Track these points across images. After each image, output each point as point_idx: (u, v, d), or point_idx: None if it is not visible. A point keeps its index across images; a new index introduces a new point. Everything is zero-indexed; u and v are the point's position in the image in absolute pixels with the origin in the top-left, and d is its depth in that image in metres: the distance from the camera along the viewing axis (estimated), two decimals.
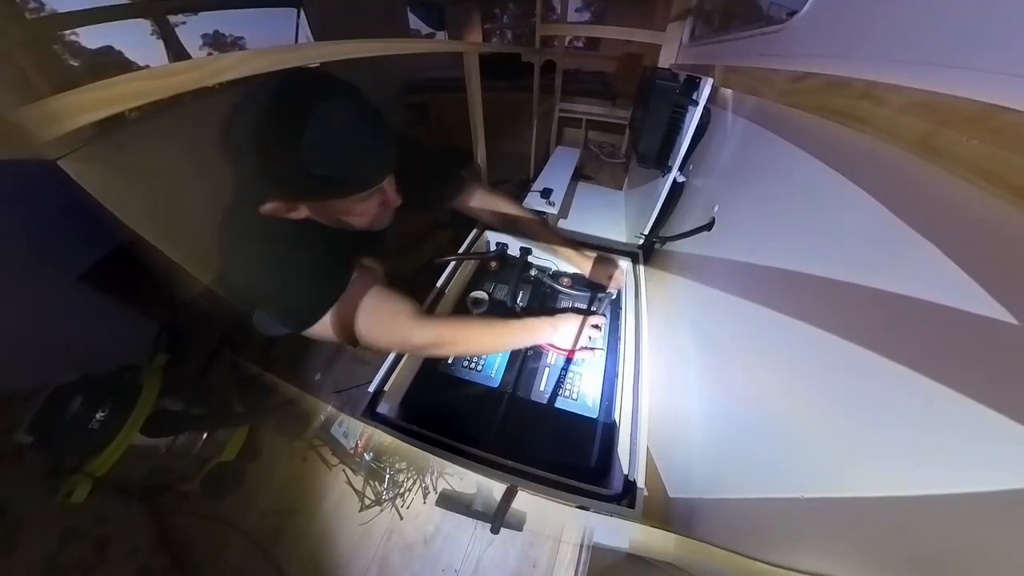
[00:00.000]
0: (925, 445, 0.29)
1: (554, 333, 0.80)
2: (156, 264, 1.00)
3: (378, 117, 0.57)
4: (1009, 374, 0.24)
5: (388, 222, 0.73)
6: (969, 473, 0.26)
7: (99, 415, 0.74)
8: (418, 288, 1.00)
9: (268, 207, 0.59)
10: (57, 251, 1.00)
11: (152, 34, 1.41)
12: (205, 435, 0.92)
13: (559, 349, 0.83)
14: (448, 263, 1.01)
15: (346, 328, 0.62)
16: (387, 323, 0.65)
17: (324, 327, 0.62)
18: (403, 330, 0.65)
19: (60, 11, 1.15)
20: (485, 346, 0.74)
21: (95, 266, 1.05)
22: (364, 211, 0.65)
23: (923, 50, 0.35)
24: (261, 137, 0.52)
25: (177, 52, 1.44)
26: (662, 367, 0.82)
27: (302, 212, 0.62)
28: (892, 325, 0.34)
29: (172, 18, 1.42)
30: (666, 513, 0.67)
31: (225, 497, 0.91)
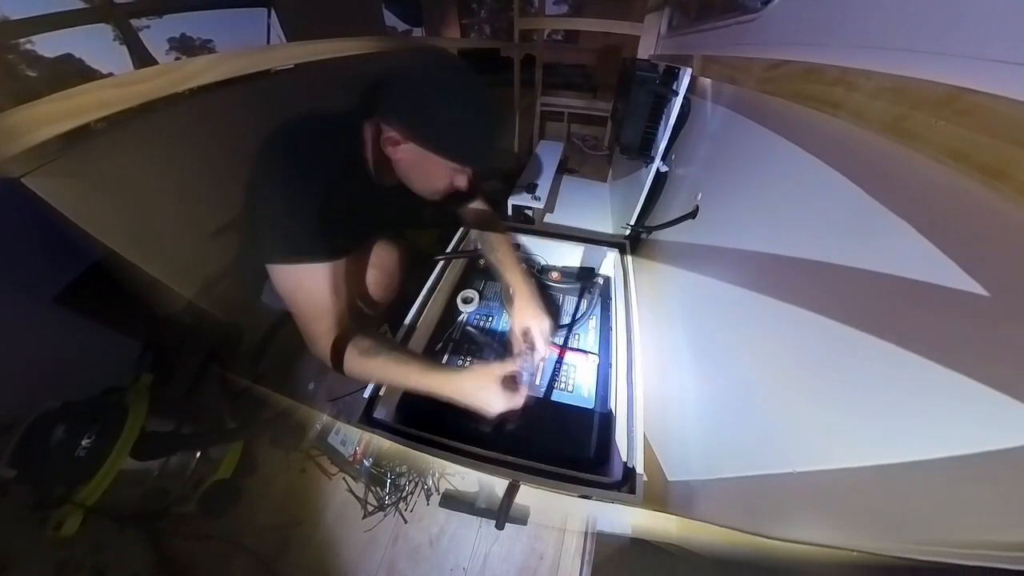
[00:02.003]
0: (905, 414, 0.31)
1: (459, 394, 0.63)
2: (134, 281, 0.96)
3: (497, 116, 0.67)
4: (982, 342, 0.26)
5: (440, 195, 0.74)
6: (946, 436, 0.27)
7: (85, 442, 0.71)
8: (409, 289, 1.00)
9: (391, 133, 0.62)
10: (27, 273, 0.95)
11: (114, 39, 1.34)
12: (198, 454, 0.90)
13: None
14: (437, 263, 1.00)
15: (280, 287, 0.62)
16: (315, 312, 0.62)
17: (281, 276, 0.61)
18: (315, 328, 0.63)
19: (12, 17, 1.09)
20: (392, 382, 0.70)
21: (69, 286, 1.00)
22: (441, 179, 0.69)
23: (892, 36, 0.36)
24: (424, 88, 0.59)
25: (143, 58, 1.38)
26: (654, 354, 0.84)
27: (400, 153, 0.64)
28: (870, 301, 0.35)
29: (135, 22, 1.35)
30: (666, 496, 0.69)
31: (224, 515, 0.89)
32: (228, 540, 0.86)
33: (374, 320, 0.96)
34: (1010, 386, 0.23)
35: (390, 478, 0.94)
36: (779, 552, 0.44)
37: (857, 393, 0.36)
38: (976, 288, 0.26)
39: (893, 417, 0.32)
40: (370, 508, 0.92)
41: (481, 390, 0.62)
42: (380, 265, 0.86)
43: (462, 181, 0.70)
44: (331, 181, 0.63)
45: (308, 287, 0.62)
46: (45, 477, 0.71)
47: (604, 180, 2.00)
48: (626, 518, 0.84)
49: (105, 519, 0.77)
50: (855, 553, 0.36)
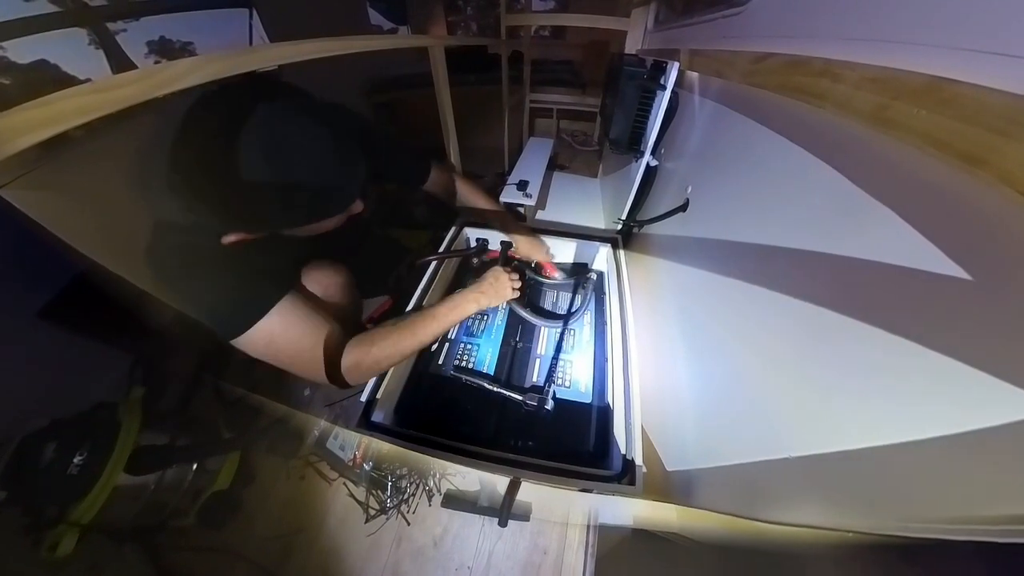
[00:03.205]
0: (894, 396, 0.32)
1: (481, 298, 0.76)
2: (121, 293, 0.94)
3: (349, 132, 0.54)
4: (966, 324, 0.26)
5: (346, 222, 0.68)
6: (934, 416, 0.28)
7: (77, 459, 0.70)
8: (402, 291, 0.99)
9: (231, 239, 0.54)
10: (8, 287, 0.92)
11: (90, 44, 1.31)
12: (195, 466, 0.89)
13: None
14: (430, 263, 1.00)
15: (259, 352, 0.57)
16: (297, 354, 0.58)
17: (250, 344, 0.57)
18: (313, 363, 0.59)
19: None
20: (405, 350, 0.68)
21: (53, 301, 0.98)
22: (331, 224, 0.61)
23: (874, 27, 0.37)
24: (226, 170, 0.46)
25: (121, 62, 1.34)
26: (649, 347, 0.85)
27: (262, 233, 0.58)
28: (858, 288, 0.36)
29: (111, 25, 1.31)
30: (666, 486, 0.70)
31: (224, 527, 0.88)
32: (229, 552, 0.85)
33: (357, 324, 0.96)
34: (993, 366, 0.24)
35: (391, 481, 0.94)
36: (777, 536, 0.45)
37: (848, 378, 0.37)
38: (959, 272, 0.27)
39: (883, 400, 0.33)
40: (372, 512, 0.92)
41: (498, 284, 0.78)
42: (327, 268, 0.79)
43: (357, 208, 0.61)
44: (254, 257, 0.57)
45: (280, 333, 0.57)
46: (37, 497, 0.69)
47: (595, 176, 2.00)
48: (627, 509, 0.85)
49: (102, 537, 0.76)
50: (850, 534, 0.37)
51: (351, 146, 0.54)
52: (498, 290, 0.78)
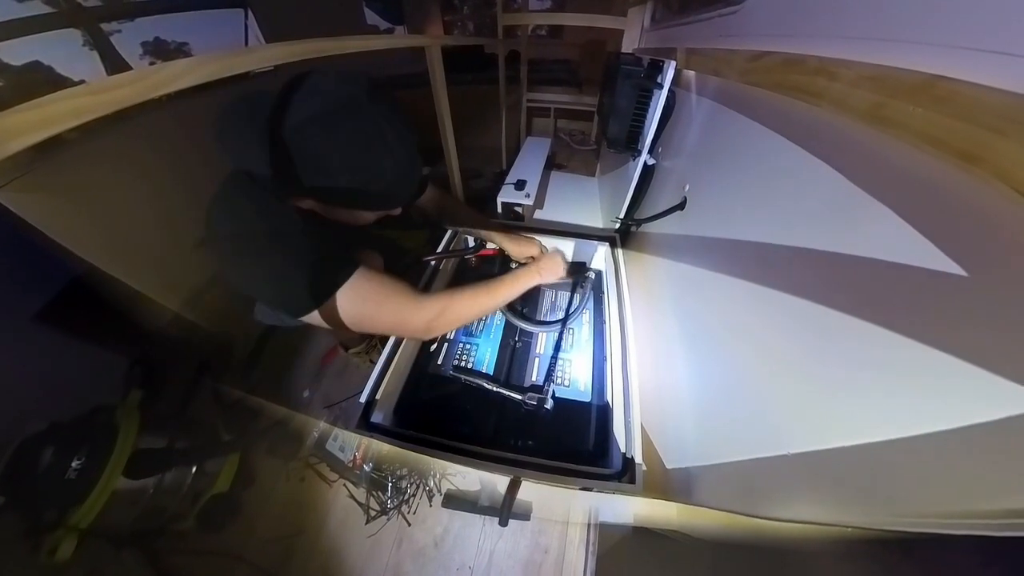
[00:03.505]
0: (891, 392, 0.32)
1: (539, 274, 0.84)
2: (117, 295, 0.94)
3: (414, 139, 0.61)
4: (962, 320, 0.27)
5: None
6: (931, 412, 0.28)
7: (75, 463, 0.69)
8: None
9: (306, 204, 0.61)
10: (3, 290, 0.92)
11: (84, 45, 1.30)
12: (194, 469, 0.88)
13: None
14: (428, 263, 1.00)
15: (347, 312, 0.60)
16: (388, 301, 0.63)
17: (325, 312, 0.59)
18: (404, 307, 0.64)
19: None
20: (481, 308, 0.74)
21: (49, 304, 0.97)
22: (368, 219, 0.69)
23: (870, 26, 0.37)
24: (323, 146, 0.52)
25: (115, 63, 1.33)
26: (648, 345, 0.85)
27: (321, 209, 0.63)
28: (855, 285, 0.36)
29: (105, 26, 1.30)
30: (666, 484, 0.70)
31: (224, 529, 0.88)
32: (229, 554, 0.85)
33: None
34: (989, 361, 0.24)
35: (391, 482, 0.94)
36: (776, 532, 0.45)
37: (845, 374, 0.37)
38: (955, 268, 0.27)
39: (880, 395, 0.33)
40: (373, 513, 0.92)
41: (553, 263, 0.87)
42: (366, 252, 0.86)
43: (396, 212, 0.71)
44: (301, 225, 0.61)
45: (367, 288, 0.60)
46: (36, 502, 0.69)
47: (592, 175, 2.01)
48: (627, 507, 0.86)
49: (101, 541, 0.75)
50: (849, 529, 0.37)
51: (417, 154, 0.63)
52: (553, 268, 0.87)
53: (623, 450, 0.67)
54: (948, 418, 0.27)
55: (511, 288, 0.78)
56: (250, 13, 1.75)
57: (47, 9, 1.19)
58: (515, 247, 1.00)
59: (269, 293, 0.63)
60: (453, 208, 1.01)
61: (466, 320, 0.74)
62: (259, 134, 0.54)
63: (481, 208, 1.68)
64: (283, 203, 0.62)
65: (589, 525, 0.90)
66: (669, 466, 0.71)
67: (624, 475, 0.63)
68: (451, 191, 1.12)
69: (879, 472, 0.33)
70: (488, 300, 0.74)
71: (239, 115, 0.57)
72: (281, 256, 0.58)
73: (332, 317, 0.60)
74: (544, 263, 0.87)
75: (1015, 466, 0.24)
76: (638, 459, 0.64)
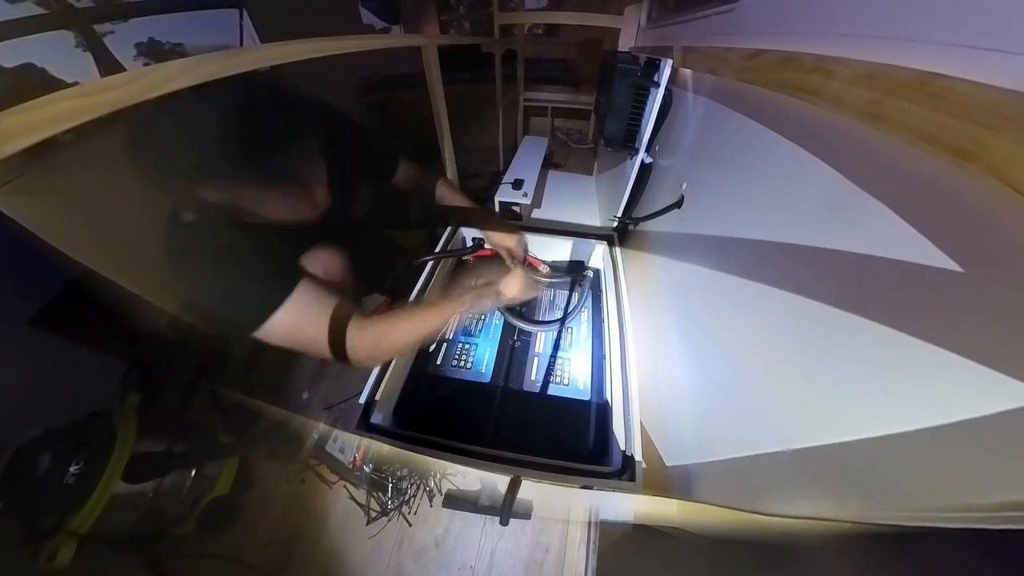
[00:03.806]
0: (888, 387, 0.32)
1: (493, 299, 0.78)
2: (114, 299, 0.93)
3: (297, 112, 0.62)
4: (958, 316, 0.27)
5: (324, 207, 0.72)
6: (927, 407, 0.29)
7: (73, 468, 0.69)
8: (399, 292, 0.99)
9: (203, 192, 0.59)
10: None
11: (77, 46, 1.28)
12: (193, 472, 0.88)
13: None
14: (426, 263, 1.00)
15: (279, 335, 0.59)
16: (322, 331, 0.60)
17: (274, 332, 0.59)
18: (343, 335, 0.61)
19: None
20: (427, 334, 0.70)
21: (44, 307, 0.96)
22: (292, 205, 0.66)
23: (866, 24, 0.37)
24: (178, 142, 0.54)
25: (109, 65, 1.32)
26: (646, 343, 0.85)
27: (224, 197, 0.60)
28: (851, 282, 0.37)
29: (99, 27, 1.29)
30: (665, 481, 0.70)
31: (224, 532, 0.87)
32: (230, 557, 0.85)
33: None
34: (984, 356, 0.24)
35: (391, 482, 0.94)
36: (776, 528, 0.45)
37: (842, 370, 0.37)
38: (951, 264, 0.27)
39: (876, 391, 0.33)
40: (373, 514, 0.92)
41: (514, 280, 0.79)
42: (327, 249, 0.81)
43: (322, 200, 0.68)
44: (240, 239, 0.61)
45: (300, 319, 0.59)
46: (34, 508, 0.68)
47: (590, 174, 2.01)
48: (628, 505, 0.86)
49: (101, 546, 0.75)
50: (847, 524, 0.37)
51: (298, 132, 0.62)
52: (518, 286, 0.81)
53: (623, 448, 0.67)
54: (944, 413, 0.27)
55: (457, 308, 0.71)
56: (245, 13, 1.74)
57: (39, 10, 1.18)
58: (493, 233, 0.95)
59: (215, 310, 0.60)
60: (430, 184, 0.97)
61: (408, 347, 0.69)
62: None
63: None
64: (219, 212, 0.60)
65: (590, 523, 0.90)
66: (669, 463, 0.71)
67: (624, 473, 0.63)
68: (463, 192, 1.09)
69: (876, 467, 0.33)
70: (433, 324, 0.69)
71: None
72: (220, 271, 0.58)
73: (267, 338, 0.58)
74: (508, 283, 0.79)
75: (1010, 460, 0.24)
76: (638, 457, 0.64)
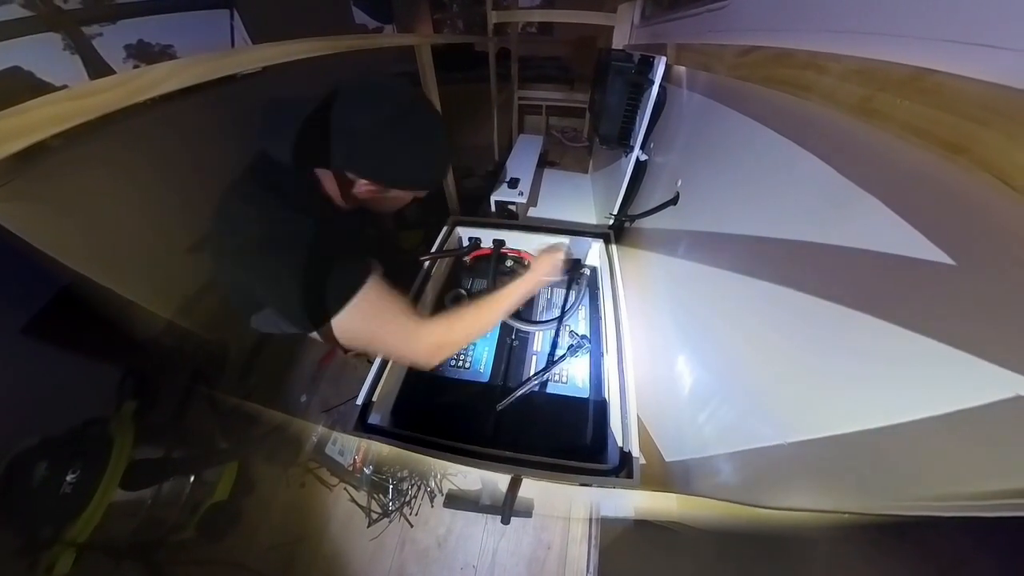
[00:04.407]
0: (882, 380, 0.32)
1: (536, 277, 0.81)
2: (107, 304, 0.92)
3: (444, 129, 0.68)
4: (949, 307, 0.27)
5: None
6: (920, 398, 0.29)
7: (70, 477, 0.68)
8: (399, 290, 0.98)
9: (353, 180, 0.64)
10: None
11: (65, 49, 1.27)
12: (192, 478, 0.87)
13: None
14: (423, 263, 0.99)
15: (347, 329, 0.60)
16: (393, 323, 0.62)
17: (348, 320, 0.59)
18: (409, 331, 0.63)
19: None
20: (484, 325, 0.73)
21: (37, 315, 0.95)
22: (406, 201, 0.73)
23: (858, 20, 0.38)
24: (378, 135, 0.59)
25: (98, 67, 1.30)
26: (644, 340, 0.86)
27: (364, 191, 0.66)
28: (845, 275, 0.37)
29: (87, 29, 1.27)
30: (665, 476, 0.71)
31: (225, 538, 0.87)
32: (231, 563, 0.84)
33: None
34: (976, 347, 0.25)
35: (392, 484, 0.94)
36: (775, 520, 0.46)
37: (838, 363, 0.38)
38: (942, 257, 0.27)
39: (871, 383, 0.34)
40: (374, 516, 0.92)
41: (551, 259, 0.82)
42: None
43: (420, 196, 0.75)
44: (317, 231, 0.61)
45: (380, 306, 0.60)
46: (31, 518, 0.68)
47: (585, 171, 2.01)
48: (628, 501, 0.86)
49: (99, 555, 0.74)
50: (846, 515, 0.38)
51: (451, 148, 0.70)
52: (552, 264, 0.84)
53: (620, 444, 0.67)
54: (936, 404, 0.28)
55: (511, 298, 0.75)
56: (236, 14, 1.72)
57: (25, 12, 1.16)
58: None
59: (279, 302, 0.61)
60: None
61: (469, 341, 0.72)
62: (311, 131, 0.59)
63: (475, 207, 1.68)
64: (300, 207, 0.62)
65: (591, 520, 0.91)
66: (668, 459, 0.72)
67: (622, 470, 0.63)
68: (444, 190, 1.12)
69: (873, 459, 0.34)
70: (491, 315, 0.72)
71: (288, 115, 0.61)
72: (293, 263, 0.58)
73: (329, 334, 0.59)
74: (540, 262, 0.84)
75: (1003, 449, 0.24)
76: (635, 453, 0.64)
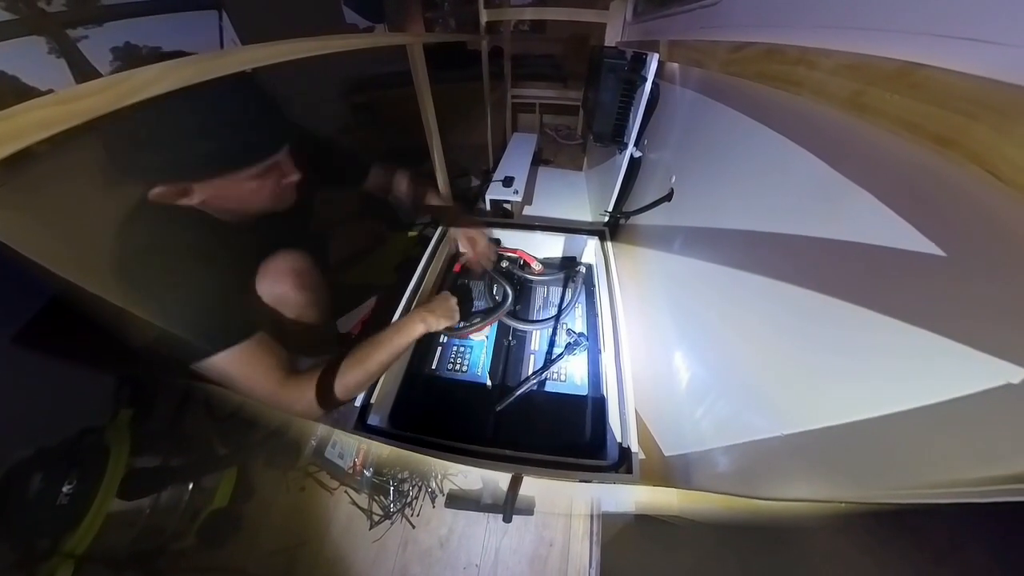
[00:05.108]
0: (877, 370, 0.33)
1: (428, 318, 0.79)
2: (99, 312, 0.90)
3: (266, 98, 0.62)
4: (941, 299, 0.28)
5: (291, 200, 0.72)
6: (915, 388, 0.29)
7: (66, 488, 0.67)
8: (391, 293, 0.98)
9: (157, 191, 0.58)
10: None
11: (50, 52, 1.24)
12: (191, 485, 0.87)
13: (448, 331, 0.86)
14: (419, 263, 0.99)
15: (226, 378, 0.59)
16: (261, 384, 0.61)
17: (215, 369, 0.58)
18: (277, 394, 0.61)
19: None
20: (370, 373, 0.69)
21: (28, 324, 0.94)
22: (261, 188, 0.65)
23: (848, 15, 0.38)
24: (147, 125, 0.54)
25: (84, 71, 1.28)
26: (641, 336, 0.86)
27: (195, 197, 0.61)
28: (838, 268, 0.37)
29: (72, 32, 1.25)
30: (665, 471, 0.71)
31: (226, 545, 0.86)
32: (232, 569, 0.84)
33: (329, 339, 0.97)
34: (967, 336, 0.25)
35: (393, 485, 0.94)
36: (774, 512, 0.47)
37: (832, 355, 0.38)
38: (934, 249, 0.28)
39: (866, 374, 0.34)
40: (376, 518, 0.91)
41: (444, 306, 0.82)
42: (300, 284, 0.79)
43: (291, 175, 0.69)
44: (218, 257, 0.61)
45: (248, 369, 0.59)
46: (27, 530, 0.67)
47: (580, 169, 2.01)
48: (629, 496, 0.87)
49: (99, 566, 0.73)
50: (843, 504, 0.38)
51: (267, 110, 0.62)
52: (446, 312, 0.83)
53: (619, 440, 0.68)
54: (930, 393, 0.28)
55: (389, 346, 0.71)
56: (224, 15, 1.70)
57: (8, 15, 1.14)
58: (459, 229, 1.01)
59: (164, 327, 0.60)
60: (399, 185, 1.02)
61: (357, 391, 0.69)
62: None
63: (471, 207, 1.68)
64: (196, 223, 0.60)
65: (592, 516, 0.91)
66: (667, 453, 0.72)
67: (622, 465, 0.64)
68: (436, 189, 1.12)
69: (869, 448, 0.34)
70: (373, 365, 0.68)
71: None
72: (181, 292, 0.58)
73: (205, 371, 0.58)
74: (434, 305, 0.83)
75: (994, 435, 0.25)
76: (635, 448, 0.65)
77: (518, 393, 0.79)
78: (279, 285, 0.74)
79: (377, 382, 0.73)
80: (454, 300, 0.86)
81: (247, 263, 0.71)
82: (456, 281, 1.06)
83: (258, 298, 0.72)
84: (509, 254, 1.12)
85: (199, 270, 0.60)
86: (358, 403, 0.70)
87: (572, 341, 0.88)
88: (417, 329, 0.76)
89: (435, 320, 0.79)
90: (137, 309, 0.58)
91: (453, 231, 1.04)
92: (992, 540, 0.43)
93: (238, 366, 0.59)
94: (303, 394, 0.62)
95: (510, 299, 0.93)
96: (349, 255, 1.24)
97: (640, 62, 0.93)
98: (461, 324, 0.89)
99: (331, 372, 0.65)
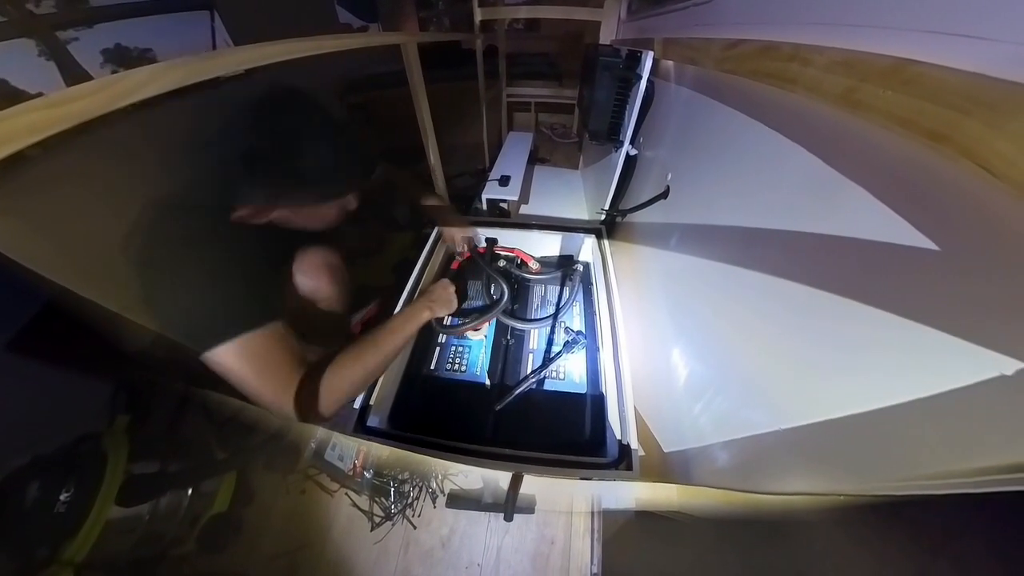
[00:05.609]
0: (873, 364, 0.33)
1: (432, 306, 0.81)
2: (94, 318, 0.89)
3: (351, 131, 0.65)
4: (935, 292, 0.28)
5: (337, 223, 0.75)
6: (910, 381, 0.30)
7: (64, 496, 0.67)
8: (389, 293, 0.98)
9: (243, 212, 0.60)
10: None
11: (40, 55, 1.23)
12: (190, 491, 0.86)
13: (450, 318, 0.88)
14: (416, 262, 0.99)
15: (229, 372, 0.57)
16: (257, 382, 0.58)
17: (220, 361, 0.56)
18: (275, 396, 0.58)
19: None
20: (372, 368, 0.67)
21: (21, 331, 0.93)
22: (327, 214, 0.69)
23: (841, 12, 0.38)
24: (255, 147, 0.56)
25: (75, 73, 1.27)
26: (639, 333, 0.86)
27: (266, 216, 0.63)
28: (834, 264, 0.38)
29: (62, 34, 1.24)
30: (665, 467, 0.72)
31: (226, 550, 0.86)
32: (233, 574, 0.83)
33: (346, 330, 0.97)
34: (960, 329, 0.26)
35: (393, 486, 0.94)
36: (773, 505, 0.47)
37: (828, 350, 0.38)
38: (927, 244, 0.28)
39: (863, 367, 0.34)
40: (377, 519, 0.91)
41: (445, 293, 0.84)
42: (335, 279, 0.83)
43: (352, 204, 0.72)
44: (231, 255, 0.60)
45: (269, 350, 0.57)
46: (25, 539, 0.66)
47: (576, 167, 2.02)
48: (629, 493, 0.87)
49: (98, 574, 0.73)
50: (841, 497, 0.39)
51: (356, 144, 0.66)
52: (445, 299, 0.85)
53: (619, 437, 0.68)
54: (925, 386, 0.28)
55: (402, 334, 0.71)
56: (216, 15, 1.68)
57: None
58: (446, 228, 1.03)
59: (176, 317, 0.59)
60: (391, 180, 1.04)
61: (360, 388, 0.66)
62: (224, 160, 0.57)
63: (466, 206, 1.68)
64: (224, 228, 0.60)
65: (593, 513, 0.91)
66: (667, 449, 0.73)
67: (622, 462, 0.64)
68: (434, 190, 1.13)
69: (865, 441, 0.35)
70: (377, 360, 0.66)
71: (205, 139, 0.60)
72: (201, 281, 0.57)
73: (211, 362, 0.56)
74: (436, 294, 0.83)
75: (988, 427, 0.25)
76: (634, 445, 0.65)
77: (517, 392, 0.79)
78: (315, 278, 0.78)
79: (376, 383, 0.73)
80: (452, 288, 0.87)
81: (269, 253, 0.72)
82: (454, 280, 1.06)
83: (278, 288, 0.73)
84: (506, 253, 1.12)
85: (224, 258, 0.59)
86: (357, 405, 0.70)
87: (570, 339, 0.88)
88: (423, 316, 0.78)
89: (437, 308, 0.82)
90: (158, 292, 0.59)
91: (444, 230, 1.06)
92: (987, 530, 0.44)
93: (250, 357, 0.56)
94: (310, 397, 0.60)
95: (507, 296, 0.93)
96: (348, 255, 1.24)
97: (635, 60, 0.93)
98: (459, 321, 0.89)
99: (338, 366, 0.63)
